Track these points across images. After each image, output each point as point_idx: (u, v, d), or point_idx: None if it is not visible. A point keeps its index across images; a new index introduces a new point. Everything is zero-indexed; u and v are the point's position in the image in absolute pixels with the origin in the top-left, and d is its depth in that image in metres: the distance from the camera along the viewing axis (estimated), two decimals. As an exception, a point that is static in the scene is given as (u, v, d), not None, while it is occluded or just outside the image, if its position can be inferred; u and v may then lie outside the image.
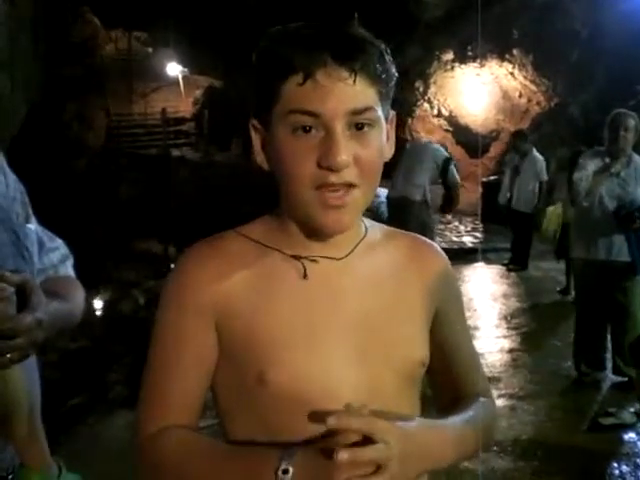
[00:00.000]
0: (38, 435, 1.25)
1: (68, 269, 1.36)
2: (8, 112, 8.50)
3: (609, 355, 4.39)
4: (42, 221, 1.32)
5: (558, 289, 6.80)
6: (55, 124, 12.77)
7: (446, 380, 1.10)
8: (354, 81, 0.88)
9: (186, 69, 17.53)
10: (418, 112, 13.75)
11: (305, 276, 0.97)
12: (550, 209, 6.82)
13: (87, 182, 11.61)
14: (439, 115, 13.87)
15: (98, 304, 6.71)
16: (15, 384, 1.15)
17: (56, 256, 1.33)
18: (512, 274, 7.81)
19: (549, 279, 7.33)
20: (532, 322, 5.95)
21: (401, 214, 6.02)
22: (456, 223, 11.17)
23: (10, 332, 0.98)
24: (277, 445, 0.89)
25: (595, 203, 4.13)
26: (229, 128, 14.25)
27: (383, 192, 6.44)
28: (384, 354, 0.97)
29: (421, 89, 13.49)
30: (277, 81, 0.90)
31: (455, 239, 10.20)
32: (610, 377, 4.37)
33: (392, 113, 0.99)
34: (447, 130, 13.69)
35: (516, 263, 7.98)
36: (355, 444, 0.81)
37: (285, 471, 0.83)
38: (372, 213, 6.11)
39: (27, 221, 1.25)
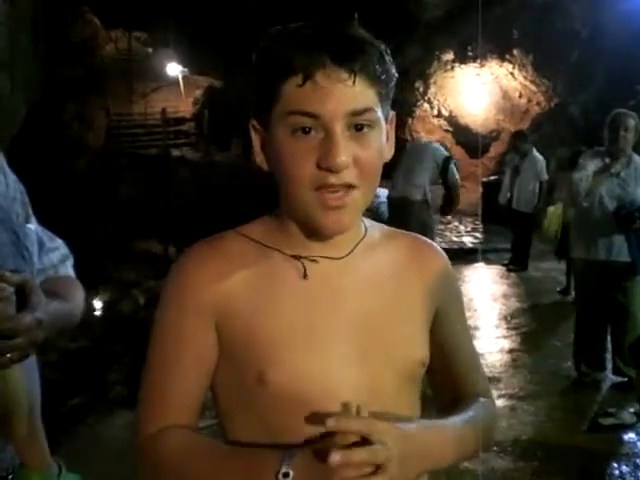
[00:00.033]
0: (38, 435, 1.25)
1: (68, 269, 1.36)
2: (8, 112, 8.50)
3: (609, 355, 4.38)
4: (42, 221, 1.32)
5: (558, 289, 6.80)
6: (55, 124, 12.77)
7: (446, 380, 1.10)
8: (353, 82, 0.88)
9: (186, 69, 17.53)
10: (418, 112, 13.76)
11: (305, 276, 0.97)
12: (551, 209, 6.82)
13: (87, 182, 11.60)
14: (439, 115, 13.88)
15: (98, 304, 6.71)
16: (15, 384, 1.15)
17: (56, 256, 1.33)
18: (512, 274, 7.81)
19: (549, 279, 7.33)
20: (532, 322, 5.95)
21: (401, 214, 6.02)
22: (456, 223, 11.16)
23: (10, 332, 0.97)
24: (277, 447, 0.89)
25: (595, 203, 4.13)
26: (229, 128, 14.25)
27: (383, 192, 6.44)
28: (384, 354, 0.97)
29: (421, 89, 13.49)
30: (277, 82, 0.90)
31: (455, 239, 10.20)
32: (610, 377, 4.37)
33: (392, 113, 0.99)
34: (447, 130, 13.70)
35: (516, 263, 7.98)
36: (355, 444, 0.81)
37: (286, 474, 0.84)
38: (372, 213, 6.10)
39: (27, 221, 1.25)
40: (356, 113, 0.89)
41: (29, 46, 9.57)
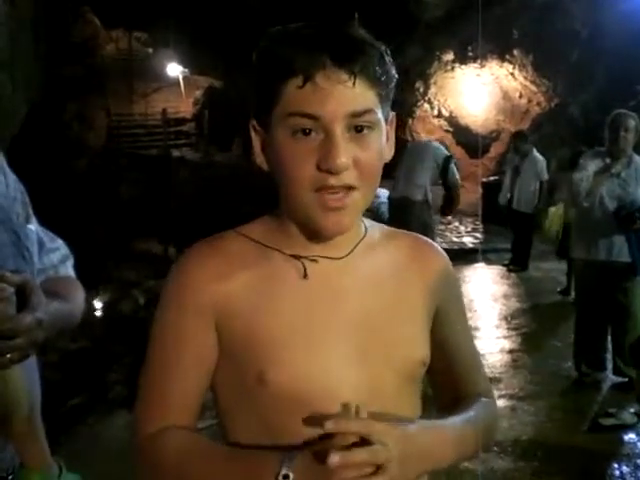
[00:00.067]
0: (38, 435, 1.25)
1: (68, 269, 1.36)
2: (8, 112, 8.49)
3: (609, 356, 4.38)
4: (42, 221, 1.32)
5: (558, 290, 6.80)
6: (55, 124, 12.76)
7: (447, 380, 1.10)
8: (354, 83, 0.88)
9: (186, 69, 17.53)
10: (418, 113, 13.76)
11: (305, 276, 0.97)
12: (552, 210, 6.82)
13: (88, 182, 11.60)
14: (439, 115, 13.87)
15: (98, 304, 6.71)
16: (15, 384, 1.15)
17: (56, 256, 1.33)
18: (512, 275, 7.81)
19: (549, 280, 7.33)
20: (532, 323, 5.94)
21: (402, 214, 6.02)
22: (456, 223, 11.16)
23: (10, 332, 0.97)
24: (277, 448, 0.89)
25: (595, 204, 4.13)
26: (229, 128, 14.24)
27: (384, 193, 6.44)
28: (384, 354, 0.97)
29: (421, 89, 13.49)
30: (277, 83, 0.90)
31: (455, 239, 10.20)
32: (610, 378, 4.37)
33: (392, 114, 0.99)
34: (447, 130, 13.69)
35: (516, 264, 7.97)
36: (355, 445, 0.81)
37: (285, 476, 0.84)
38: (373, 213, 6.10)
39: (27, 221, 1.25)
40: (356, 115, 0.89)
41: (29, 46, 9.57)
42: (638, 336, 3.88)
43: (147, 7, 13.61)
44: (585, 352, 4.38)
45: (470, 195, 10.11)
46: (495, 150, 13.17)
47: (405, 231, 1.11)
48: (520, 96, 12.87)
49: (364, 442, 0.81)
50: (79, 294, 1.31)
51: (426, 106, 13.77)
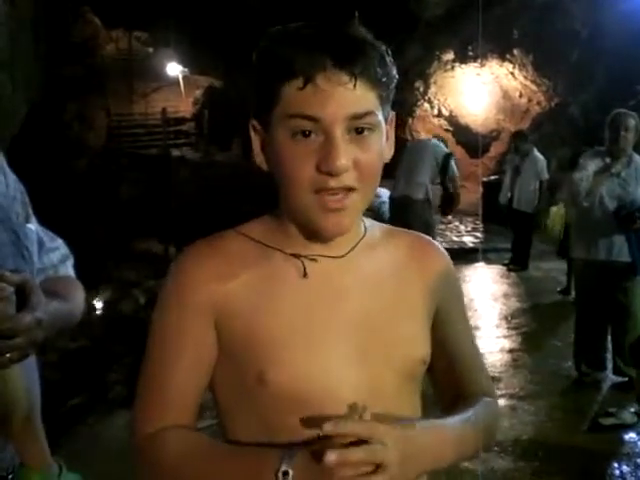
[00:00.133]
0: (38, 435, 1.25)
1: (68, 269, 1.36)
2: (8, 112, 8.49)
3: (609, 355, 4.38)
4: (42, 221, 1.32)
5: (559, 289, 6.80)
6: (56, 124, 12.76)
7: (448, 379, 1.10)
8: (354, 85, 0.88)
9: (186, 69, 17.53)
10: (418, 112, 13.76)
11: (305, 275, 0.97)
12: (553, 209, 6.83)
13: (88, 182, 11.60)
14: (439, 115, 13.87)
15: (98, 304, 6.71)
16: (15, 384, 1.15)
17: (56, 256, 1.33)
18: (512, 274, 7.81)
19: (549, 279, 7.33)
20: (532, 322, 5.94)
21: (404, 213, 6.02)
22: (457, 223, 11.16)
23: (10, 332, 0.97)
24: (277, 446, 0.89)
25: (595, 203, 4.13)
26: (229, 128, 14.24)
27: (385, 192, 6.44)
28: (385, 353, 0.97)
29: (421, 89, 13.49)
30: (277, 84, 0.90)
31: (455, 239, 10.20)
32: (610, 377, 4.37)
33: (392, 113, 0.98)
34: (447, 130, 13.69)
35: (516, 263, 7.98)
36: (354, 444, 0.81)
37: (285, 473, 0.83)
38: (374, 213, 6.11)
39: (27, 221, 1.25)
40: (356, 117, 0.89)
41: (30, 46, 9.57)
42: (638, 336, 3.88)
43: (147, 7, 13.61)
44: (585, 352, 4.37)
45: (470, 195, 10.11)
46: (495, 149, 13.17)
47: (405, 230, 1.11)
48: (520, 96, 12.87)
49: (364, 441, 0.81)
50: (79, 294, 1.30)
51: (426, 105, 13.77)
